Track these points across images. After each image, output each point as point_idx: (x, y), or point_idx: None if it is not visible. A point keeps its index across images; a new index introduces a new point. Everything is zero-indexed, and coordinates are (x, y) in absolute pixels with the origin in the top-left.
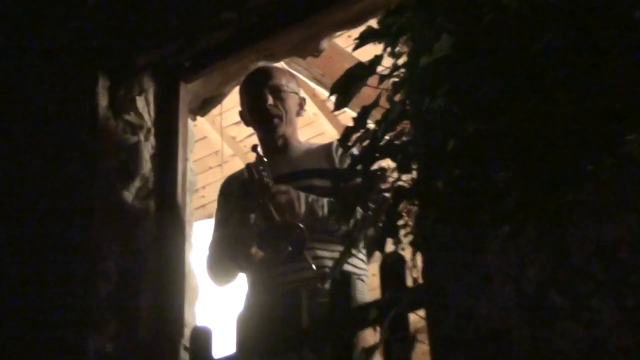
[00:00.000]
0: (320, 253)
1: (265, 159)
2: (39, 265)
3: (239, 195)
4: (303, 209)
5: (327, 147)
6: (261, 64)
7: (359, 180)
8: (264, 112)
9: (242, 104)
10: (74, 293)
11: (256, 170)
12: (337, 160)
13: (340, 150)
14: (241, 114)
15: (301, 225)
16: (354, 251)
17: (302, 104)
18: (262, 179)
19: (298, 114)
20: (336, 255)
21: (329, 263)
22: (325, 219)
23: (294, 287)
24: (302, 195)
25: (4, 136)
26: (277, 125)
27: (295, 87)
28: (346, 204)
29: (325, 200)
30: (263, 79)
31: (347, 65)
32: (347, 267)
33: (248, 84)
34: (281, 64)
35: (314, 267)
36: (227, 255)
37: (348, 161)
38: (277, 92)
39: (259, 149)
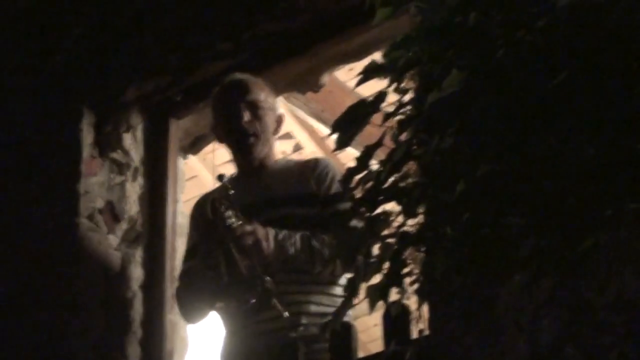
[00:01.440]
0: (294, 297)
1: (232, 191)
2: (20, 316)
3: (203, 235)
4: (272, 248)
5: (306, 167)
6: (237, 74)
7: (360, 224)
8: (239, 129)
9: (215, 118)
10: (56, 343)
11: (219, 211)
12: (316, 181)
13: (320, 169)
14: (213, 129)
15: (267, 279)
16: (324, 288)
17: (279, 121)
18: (225, 222)
19: (275, 132)
20: (312, 296)
21: (306, 306)
22: (298, 257)
23: (285, 341)
24: (271, 233)
25: None
26: (253, 144)
27: (274, 103)
28: (348, 250)
29: (298, 237)
30: (239, 93)
31: (348, 100)
32: (318, 308)
33: (222, 98)
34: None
35: (285, 314)
36: (193, 293)
37: (329, 181)
38: (255, 109)
39: (225, 179)
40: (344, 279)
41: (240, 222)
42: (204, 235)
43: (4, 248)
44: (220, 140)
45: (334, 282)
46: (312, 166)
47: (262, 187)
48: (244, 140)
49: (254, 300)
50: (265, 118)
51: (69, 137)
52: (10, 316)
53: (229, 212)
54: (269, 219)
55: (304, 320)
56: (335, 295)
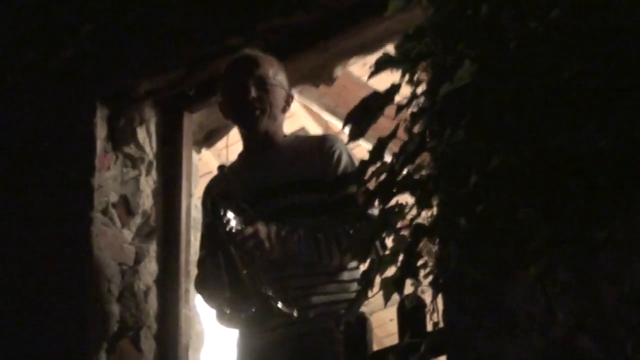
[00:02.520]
0: (301, 291)
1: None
2: (34, 308)
3: (205, 238)
4: (275, 247)
5: (312, 146)
6: (247, 50)
7: (375, 216)
8: (245, 104)
9: (222, 93)
10: (71, 336)
11: (218, 214)
12: (323, 161)
13: (326, 148)
14: (220, 105)
15: (268, 294)
16: (331, 277)
17: (288, 99)
18: (224, 227)
19: (284, 110)
20: (320, 288)
21: (315, 299)
22: (303, 253)
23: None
24: (274, 230)
25: None
26: (258, 118)
27: (283, 80)
28: (362, 242)
29: (302, 232)
30: (248, 68)
31: (362, 94)
32: (326, 298)
33: (231, 72)
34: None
35: (294, 314)
36: (209, 286)
37: (335, 161)
38: (263, 84)
39: (226, 170)
40: (352, 263)
41: (241, 224)
42: (206, 235)
43: (18, 242)
44: (227, 117)
45: (340, 268)
46: (318, 145)
47: (268, 170)
48: (249, 114)
49: (253, 309)
50: (274, 94)
51: (83, 132)
52: (24, 310)
53: (229, 215)
54: (276, 208)
55: (312, 313)
56: (343, 281)
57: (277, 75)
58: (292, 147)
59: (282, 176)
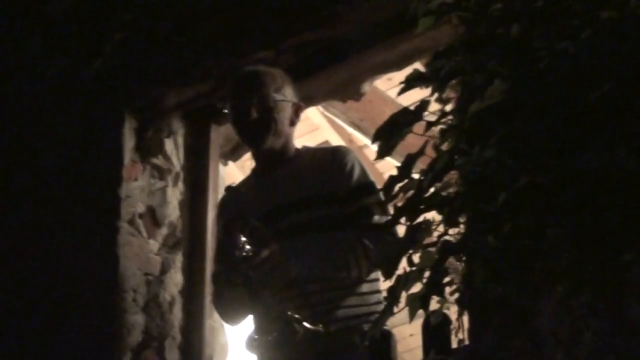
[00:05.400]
0: (322, 307)
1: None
2: (60, 317)
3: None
4: (292, 267)
5: (324, 159)
6: (250, 66)
7: (401, 234)
8: (247, 125)
9: (228, 112)
10: (97, 346)
11: (233, 239)
12: (335, 174)
13: (337, 161)
14: (230, 122)
15: (294, 316)
16: (351, 289)
17: (297, 111)
18: (240, 252)
19: (292, 123)
20: (341, 302)
21: (338, 313)
22: (320, 269)
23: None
24: (290, 250)
25: (26, 176)
26: (262, 138)
27: (290, 93)
28: (389, 258)
29: (319, 248)
30: (250, 87)
31: (387, 109)
32: (347, 311)
33: (233, 92)
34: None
35: (320, 328)
36: (225, 301)
37: (348, 173)
38: (266, 101)
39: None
40: (371, 275)
41: (256, 246)
42: (220, 254)
43: (46, 251)
44: (236, 133)
45: (359, 281)
46: (331, 158)
47: (281, 187)
48: (252, 135)
49: (275, 334)
50: (278, 110)
51: (111, 142)
52: (51, 319)
53: (242, 240)
54: (292, 224)
55: (334, 328)
56: (364, 293)
57: (281, 89)
58: (304, 162)
59: (295, 192)
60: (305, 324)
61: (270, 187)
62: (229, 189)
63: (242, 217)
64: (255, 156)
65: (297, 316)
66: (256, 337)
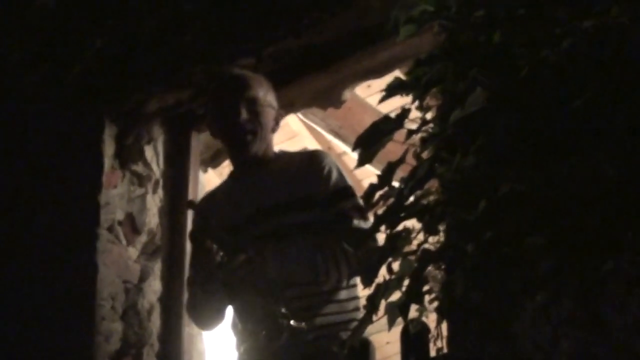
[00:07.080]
0: (300, 314)
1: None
2: (38, 324)
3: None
4: (271, 269)
5: (301, 164)
6: (236, 69)
7: (380, 242)
8: (237, 127)
9: (211, 113)
10: (75, 353)
11: (204, 247)
12: (312, 179)
13: (315, 165)
14: (209, 125)
15: (277, 308)
16: (328, 296)
17: (278, 118)
18: (214, 259)
19: (273, 130)
20: (317, 309)
21: (317, 320)
22: (298, 273)
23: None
24: (268, 254)
25: (5, 182)
26: (250, 142)
27: (273, 100)
28: (369, 266)
29: (298, 251)
30: (238, 89)
31: (367, 116)
32: (325, 319)
33: (220, 93)
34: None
35: (303, 326)
36: (201, 313)
37: (325, 177)
38: (253, 105)
39: (195, 205)
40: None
41: (227, 253)
42: (195, 264)
43: (24, 257)
44: (215, 136)
45: (338, 287)
46: (308, 162)
47: (260, 191)
48: (241, 138)
49: (264, 332)
50: (264, 115)
51: (91, 149)
52: (28, 324)
53: (213, 247)
54: (272, 228)
55: (311, 336)
56: (342, 300)
57: (267, 96)
58: (282, 166)
59: (274, 196)
60: (290, 324)
61: (249, 191)
62: (190, 204)
63: (204, 229)
64: (235, 160)
65: (283, 310)
66: (244, 344)
